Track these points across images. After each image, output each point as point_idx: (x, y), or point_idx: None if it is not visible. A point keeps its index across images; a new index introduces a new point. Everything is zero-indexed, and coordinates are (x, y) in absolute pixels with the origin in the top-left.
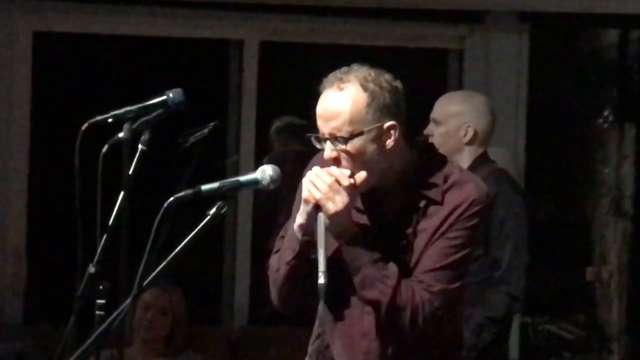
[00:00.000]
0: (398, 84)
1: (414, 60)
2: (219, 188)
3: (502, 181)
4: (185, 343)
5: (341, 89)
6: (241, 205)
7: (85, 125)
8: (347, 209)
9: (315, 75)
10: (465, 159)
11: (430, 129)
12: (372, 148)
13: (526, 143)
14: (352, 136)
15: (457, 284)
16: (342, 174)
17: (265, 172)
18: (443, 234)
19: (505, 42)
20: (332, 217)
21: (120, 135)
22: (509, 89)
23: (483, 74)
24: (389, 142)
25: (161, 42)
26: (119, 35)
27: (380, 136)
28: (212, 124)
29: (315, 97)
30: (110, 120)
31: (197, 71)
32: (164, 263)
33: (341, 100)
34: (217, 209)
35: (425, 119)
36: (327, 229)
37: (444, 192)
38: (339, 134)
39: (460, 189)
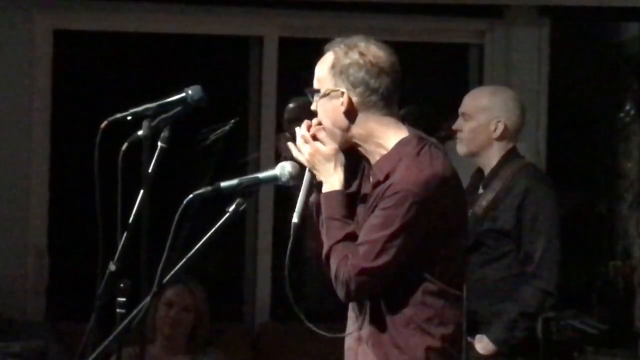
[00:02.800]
0: (378, 60)
1: (435, 55)
2: (238, 185)
3: (533, 176)
4: (207, 340)
5: (328, 50)
6: (262, 201)
7: (105, 123)
8: (311, 158)
9: None
10: (494, 154)
11: (459, 123)
12: (328, 107)
13: (547, 137)
14: (313, 91)
15: (373, 264)
16: (303, 127)
17: (285, 168)
18: (372, 212)
19: (525, 36)
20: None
21: (140, 132)
22: (530, 83)
23: (504, 69)
24: (341, 108)
25: (181, 39)
26: (139, 33)
27: (337, 100)
28: (233, 120)
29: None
30: (129, 118)
31: (217, 68)
32: (183, 260)
33: (321, 60)
34: (236, 205)
35: (446, 113)
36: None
37: (388, 173)
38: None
39: (396, 174)
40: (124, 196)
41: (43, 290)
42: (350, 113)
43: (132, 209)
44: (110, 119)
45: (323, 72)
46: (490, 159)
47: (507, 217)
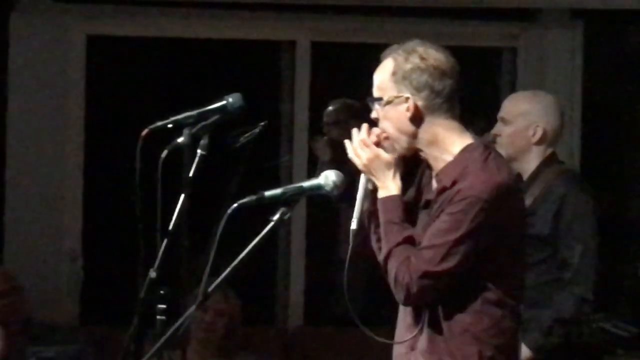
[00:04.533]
0: (439, 63)
1: (467, 59)
2: (282, 194)
3: (572, 182)
4: (241, 344)
5: (385, 58)
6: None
7: (146, 130)
8: (370, 163)
9: (367, 75)
10: (533, 159)
11: (498, 128)
12: (393, 114)
13: (581, 140)
14: (375, 100)
15: (437, 268)
16: (362, 131)
17: (329, 177)
18: (437, 217)
19: (558, 39)
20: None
21: (180, 140)
22: (563, 86)
23: (537, 72)
24: (407, 114)
25: (213, 44)
26: (172, 38)
27: (402, 106)
28: (262, 123)
29: (366, 96)
30: (170, 125)
31: (249, 72)
32: (228, 270)
33: (379, 68)
34: (280, 215)
35: (479, 117)
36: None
37: (455, 180)
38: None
39: (464, 180)
40: (162, 203)
41: (77, 295)
42: (417, 118)
43: (169, 216)
44: (151, 126)
45: (384, 80)
46: (529, 163)
47: (545, 223)
